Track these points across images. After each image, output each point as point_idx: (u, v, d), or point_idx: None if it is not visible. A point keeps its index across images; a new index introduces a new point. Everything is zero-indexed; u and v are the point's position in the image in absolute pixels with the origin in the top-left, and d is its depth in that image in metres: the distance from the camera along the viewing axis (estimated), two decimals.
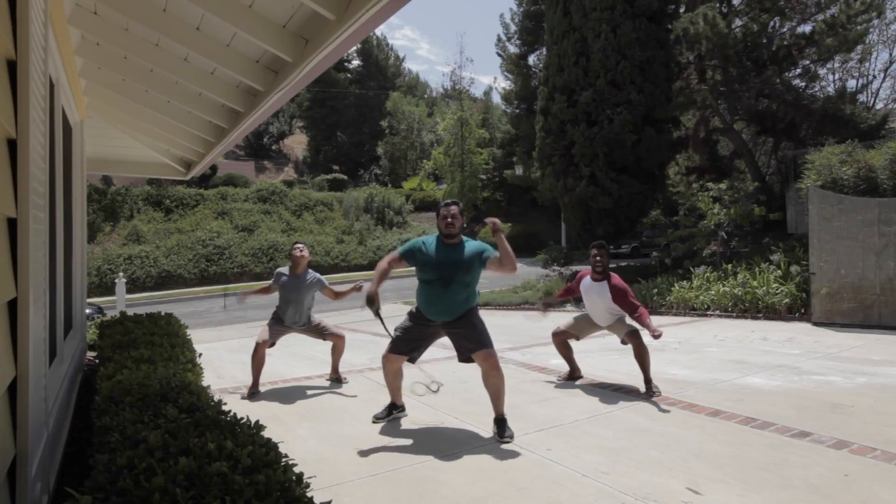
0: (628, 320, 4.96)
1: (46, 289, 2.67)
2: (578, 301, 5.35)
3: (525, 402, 4.60)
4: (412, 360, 4.17)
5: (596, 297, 4.93)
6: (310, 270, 5.31)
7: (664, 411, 4.22)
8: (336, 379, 5.54)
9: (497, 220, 3.78)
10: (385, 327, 4.08)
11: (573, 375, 5.32)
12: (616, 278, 4.93)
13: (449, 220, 3.89)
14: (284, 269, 5.35)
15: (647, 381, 4.75)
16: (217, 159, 9.13)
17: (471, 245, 3.95)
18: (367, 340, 8.33)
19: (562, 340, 5.31)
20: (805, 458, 3.23)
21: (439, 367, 5.95)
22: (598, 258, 4.90)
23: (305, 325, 5.33)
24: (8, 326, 1.86)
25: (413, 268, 4.01)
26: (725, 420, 3.95)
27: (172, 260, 22.13)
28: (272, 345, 5.31)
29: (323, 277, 5.36)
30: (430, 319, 3.97)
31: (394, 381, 4.20)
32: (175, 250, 22.62)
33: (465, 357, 3.94)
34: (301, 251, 5.25)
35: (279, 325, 5.30)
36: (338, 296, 5.28)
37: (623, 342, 5.01)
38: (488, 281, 15.35)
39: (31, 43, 1.97)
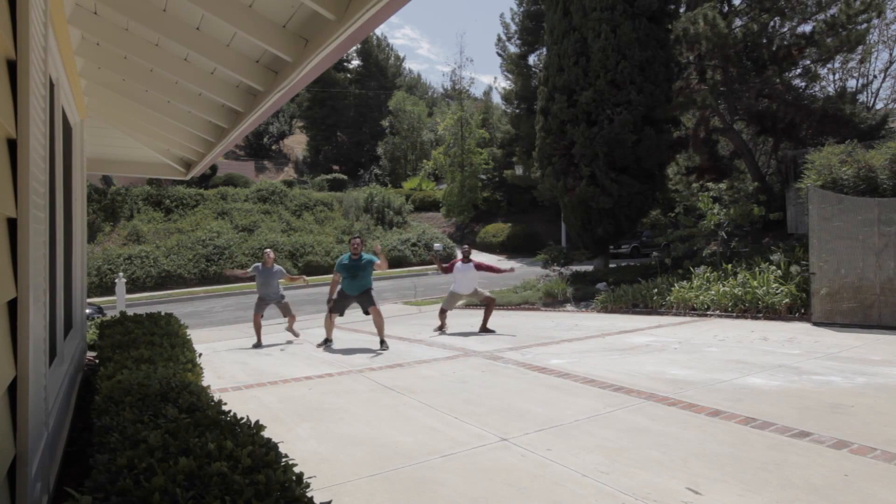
0: (483, 292, 8.92)
1: (46, 289, 2.67)
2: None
3: (525, 401, 4.60)
4: (340, 314, 7.95)
5: (464, 273, 8.68)
6: (275, 265, 8.48)
7: (664, 411, 4.22)
8: (292, 332, 8.78)
9: (378, 247, 7.78)
10: (329, 309, 7.86)
11: (441, 328, 8.95)
12: (475, 261, 8.84)
13: (355, 246, 7.58)
14: (259, 265, 8.44)
15: (484, 325, 8.68)
16: (217, 159, 9.15)
17: (365, 257, 7.56)
18: (365, 340, 8.34)
19: (446, 315, 9.06)
20: (805, 458, 3.23)
21: (439, 366, 5.96)
22: (468, 250, 9.01)
23: (276, 300, 8.49)
24: (8, 326, 1.86)
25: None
26: (725, 420, 3.95)
27: (172, 260, 22.11)
28: (262, 316, 8.52)
29: (282, 268, 8.69)
30: (349, 294, 7.64)
31: (330, 326, 7.99)
32: (175, 250, 22.60)
33: (365, 311, 7.63)
34: (269, 255, 8.39)
35: (262, 301, 8.48)
36: (291, 280, 9.25)
37: (482, 303, 8.97)
38: (489, 282, 15.34)
39: (31, 43, 1.97)
